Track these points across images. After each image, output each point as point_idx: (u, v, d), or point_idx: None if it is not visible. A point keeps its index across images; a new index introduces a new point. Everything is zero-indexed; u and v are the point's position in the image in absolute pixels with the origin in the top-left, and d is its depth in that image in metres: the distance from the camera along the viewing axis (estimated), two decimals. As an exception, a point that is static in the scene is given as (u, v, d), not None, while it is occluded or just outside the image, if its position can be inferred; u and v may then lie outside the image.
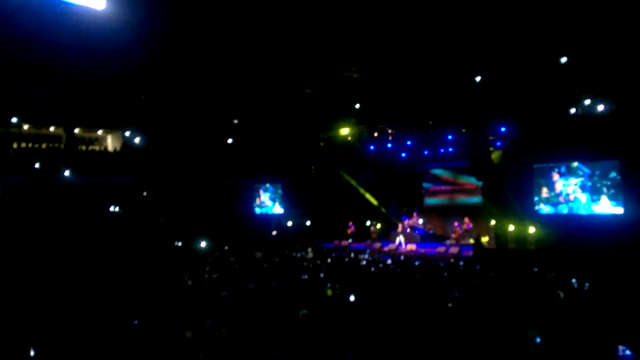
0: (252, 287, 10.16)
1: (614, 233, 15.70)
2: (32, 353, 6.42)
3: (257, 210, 28.62)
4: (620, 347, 5.55)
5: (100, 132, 27.77)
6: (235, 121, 26.53)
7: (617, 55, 15.13)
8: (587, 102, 16.69)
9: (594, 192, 17.41)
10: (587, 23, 14.69)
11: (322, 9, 16.21)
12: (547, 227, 17.25)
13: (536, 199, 18.85)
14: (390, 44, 18.04)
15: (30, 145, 25.09)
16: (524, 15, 15.29)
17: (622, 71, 15.41)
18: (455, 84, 19.04)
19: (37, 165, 22.67)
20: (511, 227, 18.07)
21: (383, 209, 24.56)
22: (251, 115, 25.29)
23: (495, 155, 20.10)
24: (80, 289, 11.00)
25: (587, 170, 17.57)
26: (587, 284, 10.16)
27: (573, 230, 16.76)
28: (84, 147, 26.99)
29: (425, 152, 22.68)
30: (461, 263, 14.90)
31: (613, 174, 17.03)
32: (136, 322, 7.60)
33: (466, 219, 20.42)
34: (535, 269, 12.74)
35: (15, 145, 24.36)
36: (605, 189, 17.14)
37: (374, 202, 24.80)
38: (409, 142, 22.28)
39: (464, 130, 20.31)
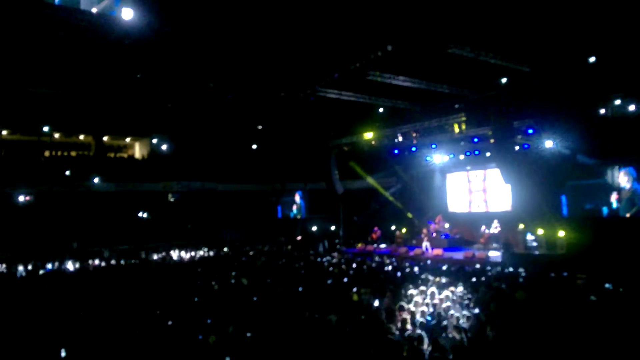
0: (278, 292, 10.19)
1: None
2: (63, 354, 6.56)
3: (283, 215, 28.72)
4: None
5: (128, 139, 28.33)
6: (260, 127, 26.73)
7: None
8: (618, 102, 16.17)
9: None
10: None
11: (348, 15, 16.19)
12: (578, 231, 16.75)
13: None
14: (413, 45, 17.90)
15: (60, 153, 25.74)
16: (550, 14, 15.00)
17: None
18: (480, 84, 18.76)
19: (67, 172, 23.21)
20: (540, 231, 17.69)
21: (409, 214, 24.33)
22: (275, 120, 25.43)
23: None
24: (109, 293, 11.20)
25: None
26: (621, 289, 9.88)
27: (606, 233, 16.22)
28: (112, 155, 27.57)
29: (452, 155, 22.40)
30: (488, 268, 14.65)
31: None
32: (170, 323, 7.70)
33: (494, 223, 20.10)
34: (565, 274, 12.44)
35: (46, 154, 25.02)
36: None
37: (400, 206, 24.59)
38: (434, 146, 21.91)
39: (490, 133, 19.94)
